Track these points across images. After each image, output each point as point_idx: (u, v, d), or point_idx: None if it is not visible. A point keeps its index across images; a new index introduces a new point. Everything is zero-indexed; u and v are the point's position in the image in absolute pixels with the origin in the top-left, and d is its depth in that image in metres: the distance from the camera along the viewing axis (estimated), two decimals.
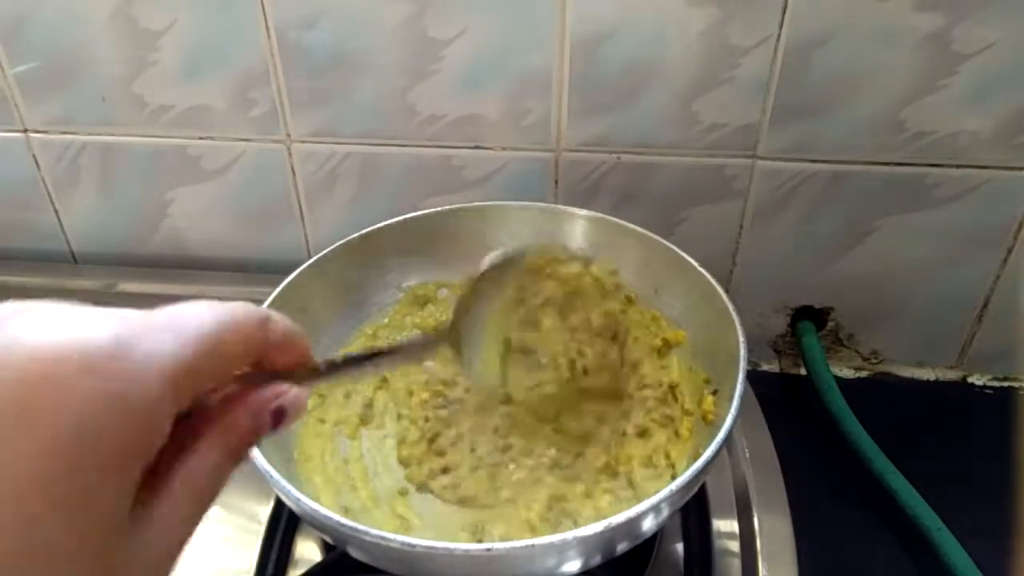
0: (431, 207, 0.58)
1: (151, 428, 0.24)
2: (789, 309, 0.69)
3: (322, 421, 0.52)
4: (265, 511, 0.52)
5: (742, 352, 0.45)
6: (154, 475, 0.25)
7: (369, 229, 0.56)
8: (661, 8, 0.56)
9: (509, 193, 0.66)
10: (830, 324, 0.69)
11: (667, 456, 0.49)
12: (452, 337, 0.45)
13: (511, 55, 0.60)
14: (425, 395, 0.54)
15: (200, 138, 0.68)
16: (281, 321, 0.30)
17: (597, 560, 0.40)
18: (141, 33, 0.63)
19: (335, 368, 0.35)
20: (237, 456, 0.29)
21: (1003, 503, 0.57)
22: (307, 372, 0.33)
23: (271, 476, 0.40)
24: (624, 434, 0.50)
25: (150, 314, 0.26)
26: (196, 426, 0.27)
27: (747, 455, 0.56)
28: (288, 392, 0.30)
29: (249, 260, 0.74)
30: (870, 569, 0.55)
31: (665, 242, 0.54)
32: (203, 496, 0.27)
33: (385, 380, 0.55)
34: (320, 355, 0.53)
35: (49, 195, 0.73)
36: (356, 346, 0.56)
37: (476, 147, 0.65)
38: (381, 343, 0.57)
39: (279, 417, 0.29)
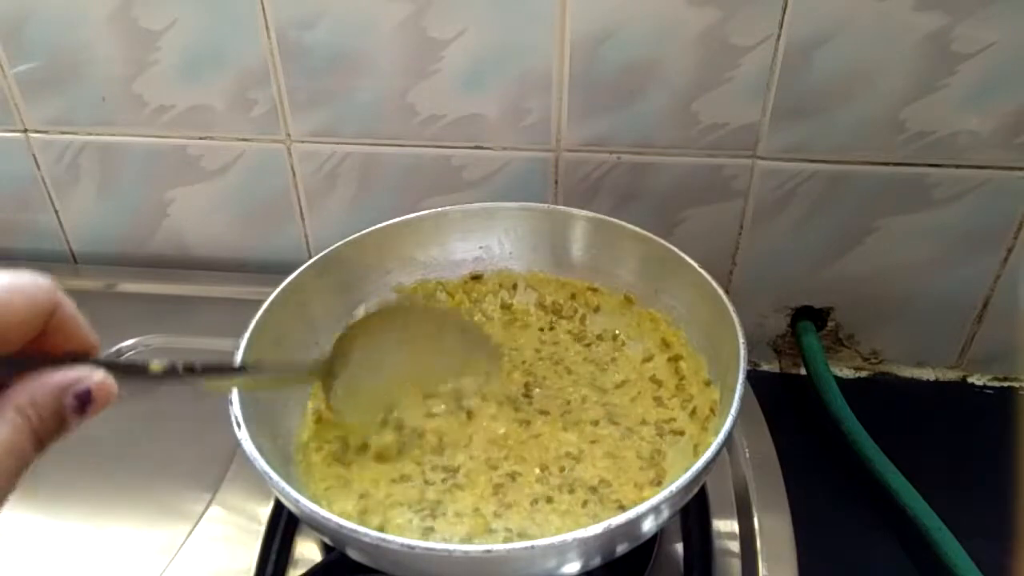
0: (431, 207, 0.58)
1: None
2: (789, 309, 0.69)
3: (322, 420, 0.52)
4: (265, 511, 0.52)
5: (742, 352, 0.45)
6: None
7: (369, 229, 0.56)
8: (661, 8, 0.56)
9: (509, 193, 0.66)
10: (830, 324, 0.69)
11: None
12: (325, 374, 0.47)
13: (511, 55, 0.60)
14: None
15: (200, 138, 0.68)
16: (69, 303, 0.30)
17: (597, 561, 0.40)
18: (141, 33, 0.63)
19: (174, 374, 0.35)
20: (38, 438, 0.28)
21: (1003, 503, 0.57)
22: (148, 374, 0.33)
23: (270, 477, 0.40)
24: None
25: None
26: None
27: (747, 455, 0.56)
28: (92, 375, 0.29)
29: (249, 260, 0.74)
30: (870, 569, 0.55)
31: (665, 242, 0.54)
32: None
33: None
34: (317, 356, 0.54)
35: (49, 195, 0.73)
36: None
37: (476, 147, 0.65)
38: None
39: (84, 401, 0.29)
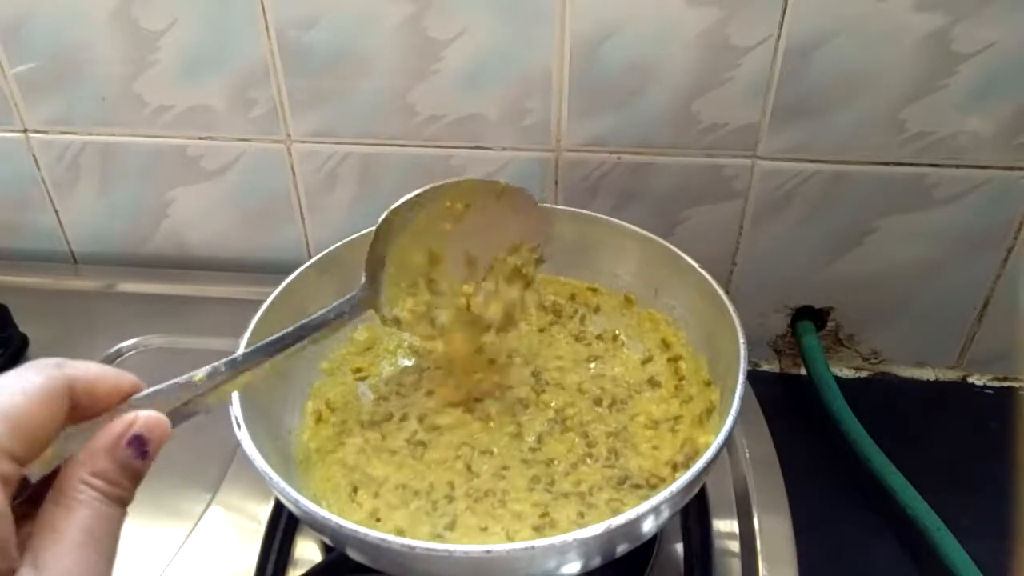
0: None
1: None
2: (789, 309, 0.69)
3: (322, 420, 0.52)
4: (265, 511, 0.52)
5: (742, 352, 0.45)
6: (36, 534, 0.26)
7: (369, 229, 0.56)
8: (661, 8, 0.56)
9: None
10: (830, 324, 0.69)
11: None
12: (369, 297, 0.46)
13: (511, 55, 0.60)
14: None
15: (200, 138, 0.68)
16: (82, 368, 0.30)
17: (597, 562, 0.40)
18: (141, 33, 0.63)
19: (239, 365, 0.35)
20: (118, 498, 0.28)
21: (1003, 503, 0.57)
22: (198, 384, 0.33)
23: (270, 477, 0.40)
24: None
25: None
26: (66, 479, 0.28)
27: (747, 455, 0.56)
28: (137, 418, 0.29)
29: (249, 260, 0.74)
30: (870, 569, 0.55)
31: (665, 243, 0.54)
32: (94, 545, 0.27)
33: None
34: (317, 356, 0.54)
35: (49, 195, 0.73)
36: (349, 350, 0.57)
37: (476, 147, 0.65)
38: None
39: (141, 445, 0.29)
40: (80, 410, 0.30)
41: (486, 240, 0.51)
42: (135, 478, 0.29)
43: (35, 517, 0.27)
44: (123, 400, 0.31)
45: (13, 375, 0.28)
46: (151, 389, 0.32)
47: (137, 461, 0.29)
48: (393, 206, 0.47)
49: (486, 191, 0.50)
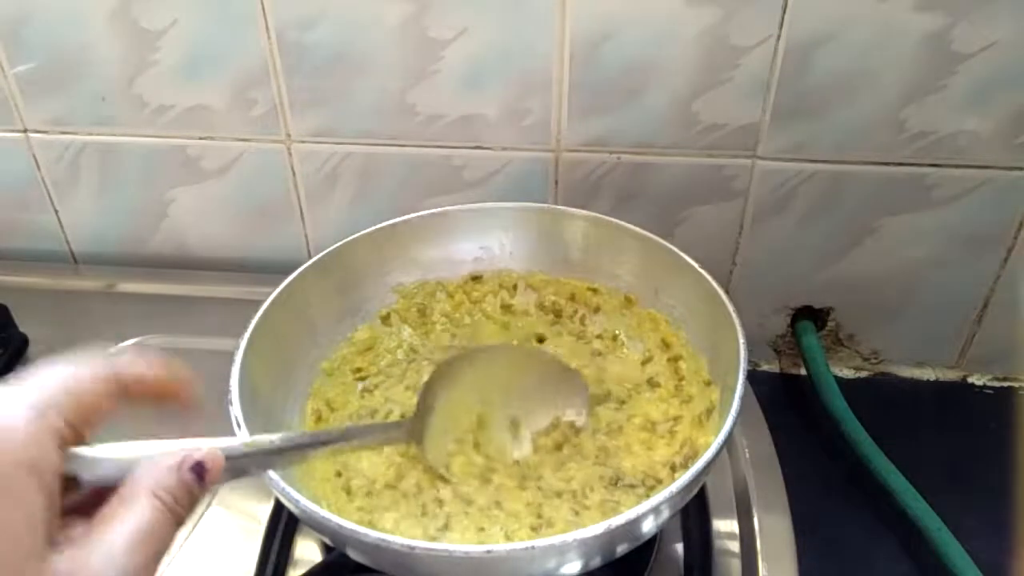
0: (431, 207, 0.58)
1: (29, 446, 0.28)
2: (789, 309, 0.69)
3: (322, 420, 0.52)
4: (265, 511, 0.53)
5: (742, 352, 0.45)
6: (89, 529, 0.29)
7: (369, 229, 0.56)
8: (661, 8, 0.56)
9: (509, 193, 0.66)
10: (830, 324, 0.69)
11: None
12: (415, 430, 0.48)
13: (511, 55, 0.60)
14: None
15: (200, 138, 0.68)
16: (120, 359, 0.33)
17: (597, 562, 0.40)
18: (141, 33, 0.63)
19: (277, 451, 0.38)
20: (176, 515, 0.31)
21: (1003, 503, 0.57)
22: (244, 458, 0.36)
23: (270, 477, 0.40)
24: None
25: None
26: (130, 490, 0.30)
27: (747, 455, 0.56)
28: (200, 448, 0.33)
29: (249, 260, 0.74)
30: (870, 569, 0.55)
31: (665, 243, 0.54)
32: (144, 540, 0.29)
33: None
34: (317, 356, 0.54)
35: (49, 195, 0.73)
36: (349, 350, 0.57)
37: (476, 147, 0.65)
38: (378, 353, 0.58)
39: (200, 471, 0.32)
40: (132, 394, 0.33)
41: (528, 406, 0.51)
42: (192, 500, 0.32)
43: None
44: (174, 387, 0.34)
45: (63, 363, 0.32)
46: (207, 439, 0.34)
47: (196, 485, 0.32)
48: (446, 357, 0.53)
49: (534, 357, 0.55)
